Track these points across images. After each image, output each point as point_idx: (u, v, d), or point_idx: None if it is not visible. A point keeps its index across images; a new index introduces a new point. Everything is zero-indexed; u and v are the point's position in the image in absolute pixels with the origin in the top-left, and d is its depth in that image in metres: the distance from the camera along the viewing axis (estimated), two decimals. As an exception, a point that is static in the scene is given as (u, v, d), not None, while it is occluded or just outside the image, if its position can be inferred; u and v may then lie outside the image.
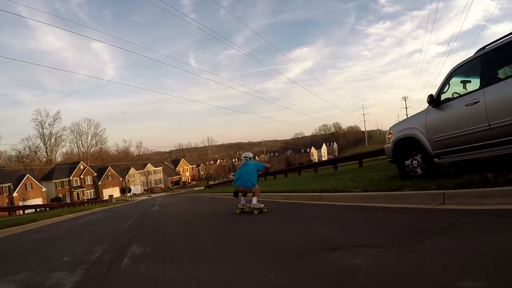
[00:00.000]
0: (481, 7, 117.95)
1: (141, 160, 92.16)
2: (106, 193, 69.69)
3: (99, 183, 73.76)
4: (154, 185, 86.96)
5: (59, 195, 65.62)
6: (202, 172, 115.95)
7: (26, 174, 60.97)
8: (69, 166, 73.09)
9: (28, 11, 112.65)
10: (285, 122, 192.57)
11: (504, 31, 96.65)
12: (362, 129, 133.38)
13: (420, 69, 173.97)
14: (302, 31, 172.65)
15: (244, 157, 7.48)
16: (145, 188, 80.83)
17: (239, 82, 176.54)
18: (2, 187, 56.74)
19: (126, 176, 71.75)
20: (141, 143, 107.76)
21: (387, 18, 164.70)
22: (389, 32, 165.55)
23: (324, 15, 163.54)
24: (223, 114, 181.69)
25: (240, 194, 7.23)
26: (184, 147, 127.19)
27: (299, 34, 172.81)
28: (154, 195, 67.28)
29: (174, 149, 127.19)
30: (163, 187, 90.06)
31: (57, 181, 65.12)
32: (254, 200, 6.66)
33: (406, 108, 78.40)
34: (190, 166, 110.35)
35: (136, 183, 79.89)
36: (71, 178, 69.68)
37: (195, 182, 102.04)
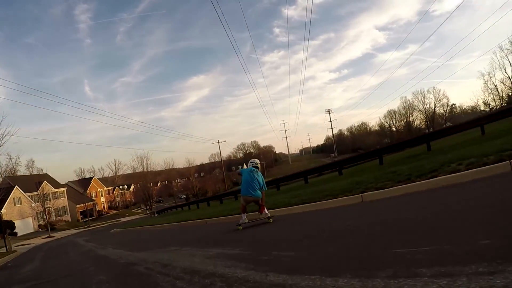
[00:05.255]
0: (370, 37, 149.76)
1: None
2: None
3: None
4: (56, 217, 55.88)
5: None
6: (118, 198, 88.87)
7: None
8: None
9: None
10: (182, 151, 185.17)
11: (390, 59, 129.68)
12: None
13: (313, 95, 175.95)
14: (199, 59, 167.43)
15: (252, 162, 7.56)
16: (41, 222, 51.29)
17: (134, 111, 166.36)
18: None
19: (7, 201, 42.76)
20: (33, 161, 72.37)
21: (281, 48, 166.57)
22: (283, 60, 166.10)
23: (220, 44, 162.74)
24: (119, 144, 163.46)
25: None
26: (87, 176, 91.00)
27: (196, 62, 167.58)
28: (58, 235, 41.16)
29: (77, 179, 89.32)
30: (70, 219, 60.27)
31: None
32: (265, 210, 7.33)
33: (331, 121, 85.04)
34: (105, 189, 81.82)
35: (25, 213, 49.93)
36: None
37: (116, 211, 73.94)
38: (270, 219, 7.14)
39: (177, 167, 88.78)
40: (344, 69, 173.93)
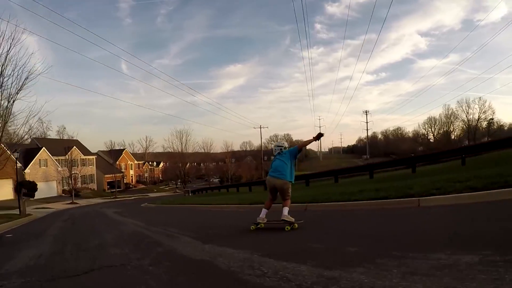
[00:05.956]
0: (411, 42, 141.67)
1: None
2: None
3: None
4: (82, 184, 51.89)
5: None
6: (146, 174, 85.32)
7: None
8: None
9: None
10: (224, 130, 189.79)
11: (430, 66, 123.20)
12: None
13: (349, 95, 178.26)
14: (237, 48, 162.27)
15: (278, 146, 5.80)
16: (66, 187, 47.38)
17: (169, 92, 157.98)
18: None
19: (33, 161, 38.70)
20: (64, 128, 67.66)
21: (321, 44, 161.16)
22: (322, 57, 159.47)
23: (260, 34, 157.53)
24: (152, 123, 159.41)
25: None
26: (117, 148, 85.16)
27: (234, 51, 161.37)
28: (82, 202, 36.77)
29: (106, 150, 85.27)
30: (96, 188, 56.97)
31: None
32: (285, 211, 5.21)
33: (367, 122, 77.91)
34: (136, 162, 78.08)
35: (50, 177, 46.83)
36: None
37: (144, 186, 70.34)
38: (288, 227, 5.08)
39: (213, 151, 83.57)
40: (382, 72, 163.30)
